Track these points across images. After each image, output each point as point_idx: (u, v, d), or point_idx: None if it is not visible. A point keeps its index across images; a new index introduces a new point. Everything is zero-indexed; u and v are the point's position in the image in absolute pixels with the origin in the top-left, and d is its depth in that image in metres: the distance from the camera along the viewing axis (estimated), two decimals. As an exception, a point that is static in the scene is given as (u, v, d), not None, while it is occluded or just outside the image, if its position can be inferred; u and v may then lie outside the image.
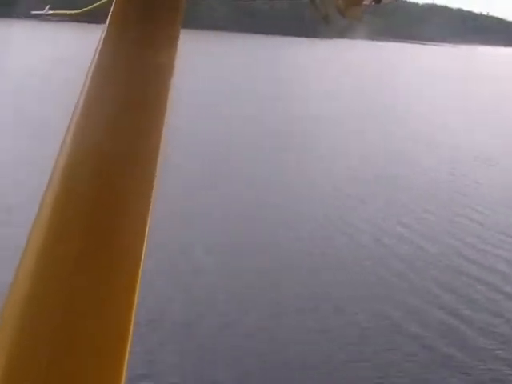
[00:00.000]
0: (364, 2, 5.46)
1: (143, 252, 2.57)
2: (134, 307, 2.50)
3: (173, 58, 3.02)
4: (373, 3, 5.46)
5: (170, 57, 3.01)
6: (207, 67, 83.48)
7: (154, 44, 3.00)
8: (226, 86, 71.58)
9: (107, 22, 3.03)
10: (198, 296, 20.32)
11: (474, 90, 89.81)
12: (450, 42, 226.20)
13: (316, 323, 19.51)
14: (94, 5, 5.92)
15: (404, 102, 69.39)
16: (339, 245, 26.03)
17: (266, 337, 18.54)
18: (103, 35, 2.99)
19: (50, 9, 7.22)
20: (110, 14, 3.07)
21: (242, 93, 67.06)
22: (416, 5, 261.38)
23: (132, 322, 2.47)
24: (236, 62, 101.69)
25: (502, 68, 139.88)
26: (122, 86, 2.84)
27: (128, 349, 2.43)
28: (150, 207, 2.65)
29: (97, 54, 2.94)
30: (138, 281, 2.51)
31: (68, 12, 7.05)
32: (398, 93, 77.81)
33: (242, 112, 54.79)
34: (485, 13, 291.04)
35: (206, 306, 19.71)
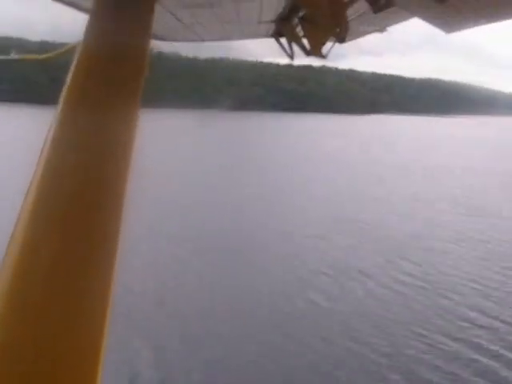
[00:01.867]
0: (328, 42, 5.76)
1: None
2: (110, 303, 2.55)
3: (133, 135, 2.85)
4: (336, 43, 5.76)
5: (130, 134, 2.84)
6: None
7: (113, 121, 2.84)
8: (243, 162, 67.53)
9: (61, 98, 2.84)
10: None
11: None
12: (449, 113, 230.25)
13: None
14: (59, 51, 6.03)
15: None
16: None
17: None
18: (57, 113, 2.81)
19: (16, 54, 7.28)
20: (65, 89, 2.87)
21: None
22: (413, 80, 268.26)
23: (108, 318, 2.52)
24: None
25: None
26: (78, 168, 2.68)
27: (104, 344, 2.47)
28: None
29: (50, 133, 2.75)
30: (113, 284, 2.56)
31: (33, 56, 7.14)
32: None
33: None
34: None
35: None
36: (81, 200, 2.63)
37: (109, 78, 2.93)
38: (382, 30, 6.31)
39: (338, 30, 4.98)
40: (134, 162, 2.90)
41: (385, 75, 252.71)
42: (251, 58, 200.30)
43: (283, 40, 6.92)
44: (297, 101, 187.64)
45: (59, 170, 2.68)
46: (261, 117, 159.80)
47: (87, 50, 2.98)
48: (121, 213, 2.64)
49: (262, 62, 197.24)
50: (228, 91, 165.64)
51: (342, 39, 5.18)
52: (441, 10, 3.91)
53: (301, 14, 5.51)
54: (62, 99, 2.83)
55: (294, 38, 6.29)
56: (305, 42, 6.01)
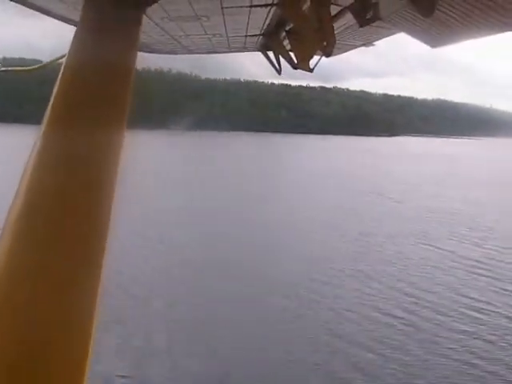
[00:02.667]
0: (315, 56, 5.75)
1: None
2: (97, 313, 2.50)
3: (119, 151, 2.77)
4: (323, 56, 5.75)
5: (116, 150, 2.76)
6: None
7: (98, 137, 2.74)
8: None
9: (46, 114, 2.75)
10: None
11: None
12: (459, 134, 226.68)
13: None
14: (46, 62, 5.97)
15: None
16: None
17: None
18: (42, 130, 2.70)
19: (3, 66, 7.23)
20: (50, 105, 2.77)
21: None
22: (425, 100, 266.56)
23: (97, 315, 2.47)
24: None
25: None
26: (61, 185, 2.60)
27: (91, 345, 2.37)
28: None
29: (35, 150, 2.65)
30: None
31: (21, 68, 7.06)
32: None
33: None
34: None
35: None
36: (66, 217, 2.57)
37: (94, 93, 2.84)
38: (368, 44, 6.31)
39: (324, 43, 4.98)
40: (124, 177, 2.83)
41: (396, 96, 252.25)
42: (260, 80, 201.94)
43: (270, 54, 6.91)
44: (322, 122, 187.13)
45: (42, 187, 2.59)
46: (289, 139, 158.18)
47: (73, 64, 2.92)
48: (107, 228, 2.57)
49: (274, 84, 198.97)
50: (252, 113, 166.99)
51: (328, 53, 5.17)
52: (426, 25, 3.91)
53: (288, 27, 5.50)
54: (47, 115, 2.75)
55: (281, 52, 6.28)
56: (292, 55, 6.00)
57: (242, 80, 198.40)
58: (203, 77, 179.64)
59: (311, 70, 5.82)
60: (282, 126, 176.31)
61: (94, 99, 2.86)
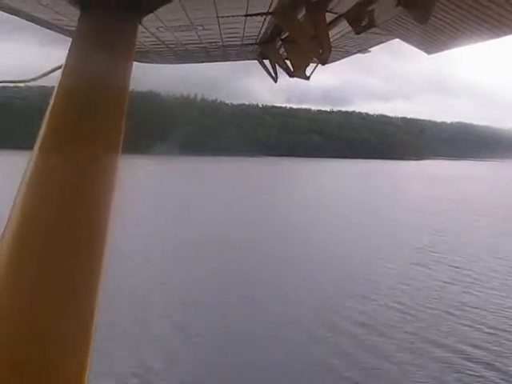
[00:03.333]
0: (311, 63, 5.76)
1: None
2: (95, 324, 2.48)
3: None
4: (319, 65, 5.76)
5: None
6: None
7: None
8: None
9: (41, 130, 2.69)
10: None
11: None
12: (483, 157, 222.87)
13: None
14: (43, 73, 5.98)
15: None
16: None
17: None
18: (33, 155, 2.66)
19: None
20: (44, 123, 2.73)
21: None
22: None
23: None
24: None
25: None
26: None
27: (92, 339, 2.38)
28: None
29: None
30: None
31: (17, 80, 7.08)
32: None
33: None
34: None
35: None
36: (64, 234, 2.53)
37: (91, 103, 2.83)
38: (364, 51, 6.33)
39: (320, 51, 4.98)
40: (118, 204, 2.72)
41: (415, 120, 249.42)
42: (278, 104, 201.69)
43: (267, 62, 6.92)
44: (353, 147, 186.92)
45: (40, 202, 2.55)
46: (329, 163, 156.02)
47: (69, 74, 2.91)
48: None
49: (292, 108, 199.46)
50: (280, 138, 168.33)
51: (324, 60, 5.18)
52: (422, 32, 3.92)
53: (283, 35, 5.51)
54: (44, 125, 2.71)
55: (277, 60, 6.29)
56: (288, 63, 6.01)
57: (260, 105, 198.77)
58: (227, 102, 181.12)
59: (307, 78, 5.83)
60: (315, 150, 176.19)
61: (90, 109, 2.85)
